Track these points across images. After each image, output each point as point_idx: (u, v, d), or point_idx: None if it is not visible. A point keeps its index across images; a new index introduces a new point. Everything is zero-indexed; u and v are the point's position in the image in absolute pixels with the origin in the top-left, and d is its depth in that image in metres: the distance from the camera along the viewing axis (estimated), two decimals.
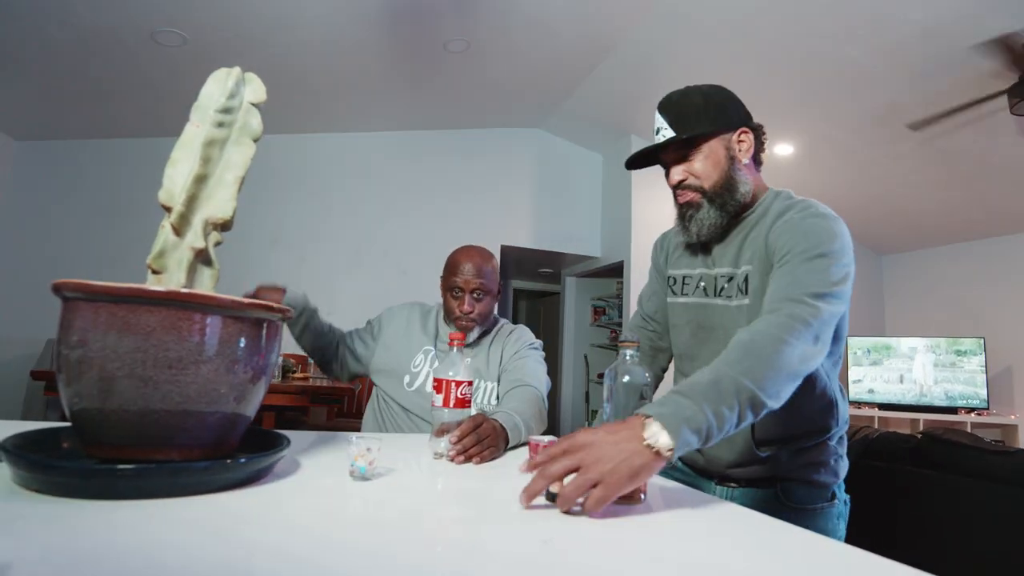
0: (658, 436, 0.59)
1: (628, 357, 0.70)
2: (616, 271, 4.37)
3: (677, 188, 0.93)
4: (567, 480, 0.58)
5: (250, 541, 0.47)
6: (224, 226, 0.68)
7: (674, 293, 1.02)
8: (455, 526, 0.59)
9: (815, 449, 0.91)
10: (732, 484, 0.94)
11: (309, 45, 2.80)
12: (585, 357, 5.25)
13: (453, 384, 0.88)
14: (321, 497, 0.62)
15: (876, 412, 4.23)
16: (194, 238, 0.65)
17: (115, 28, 2.50)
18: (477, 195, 4.19)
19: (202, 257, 0.67)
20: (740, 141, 0.91)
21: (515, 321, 1.48)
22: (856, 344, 4.43)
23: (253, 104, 0.72)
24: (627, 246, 4.05)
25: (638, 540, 0.55)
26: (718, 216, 0.90)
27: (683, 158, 0.91)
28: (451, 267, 1.29)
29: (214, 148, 0.67)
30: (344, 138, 3.95)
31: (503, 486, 0.75)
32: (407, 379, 1.26)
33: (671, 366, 1.11)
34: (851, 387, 4.36)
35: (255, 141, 0.71)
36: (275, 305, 0.63)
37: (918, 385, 4.24)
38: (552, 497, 0.59)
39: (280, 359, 2.76)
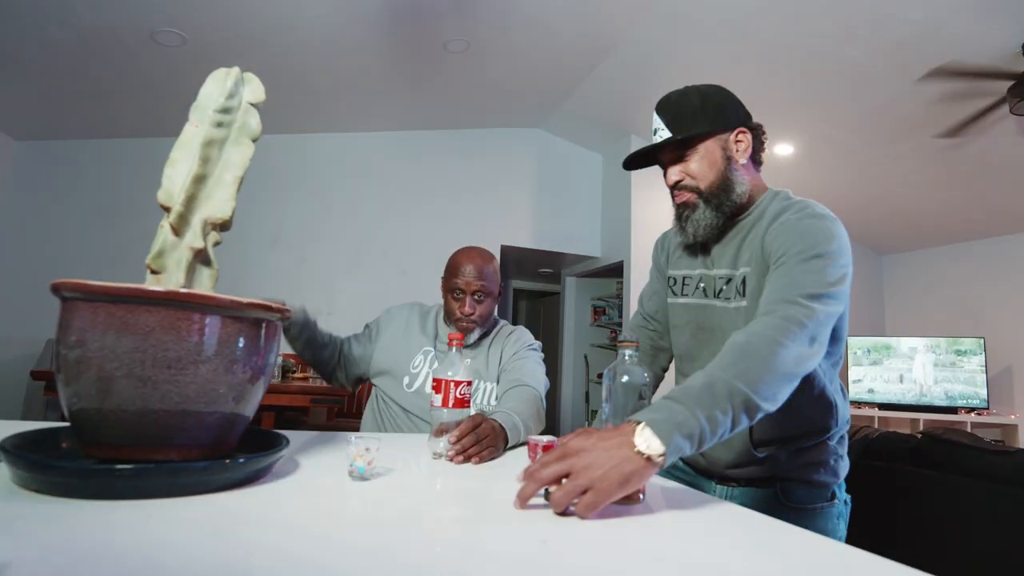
0: (649, 442, 0.59)
1: (627, 357, 0.70)
2: (616, 271, 4.37)
3: (674, 188, 0.93)
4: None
5: (249, 541, 0.47)
6: (223, 226, 0.68)
7: (674, 294, 1.02)
8: (454, 526, 0.59)
9: (814, 449, 0.91)
10: (732, 484, 0.94)
11: (309, 45, 2.80)
12: (585, 357, 5.25)
13: (452, 384, 0.88)
14: (320, 497, 0.62)
15: (876, 412, 4.23)
16: (193, 238, 0.65)
17: (115, 28, 2.50)
18: (477, 195, 4.19)
19: (201, 257, 0.67)
20: (738, 141, 0.90)
21: (515, 321, 1.48)
22: (856, 344, 4.43)
23: (252, 104, 0.72)
24: (627, 246, 4.05)
25: (637, 540, 0.55)
26: (714, 217, 0.90)
27: (680, 158, 0.91)
28: (452, 268, 1.28)
29: (213, 148, 0.67)
30: (344, 138, 3.95)
31: (502, 486, 0.75)
32: (406, 380, 1.26)
33: (672, 366, 1.11)
34: (851, 387, 4.36)
35: (254, 141, 0.71)
36: (274, 305, 0.63)
37: (918, 385, 4.24)
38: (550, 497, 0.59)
39: (280, 359, 2.77)
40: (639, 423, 0.61)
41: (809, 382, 0.84)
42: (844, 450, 0.94)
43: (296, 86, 3.15)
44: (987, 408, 4.03)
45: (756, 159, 0.94)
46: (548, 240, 4.36)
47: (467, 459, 0.84)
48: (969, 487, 1.61)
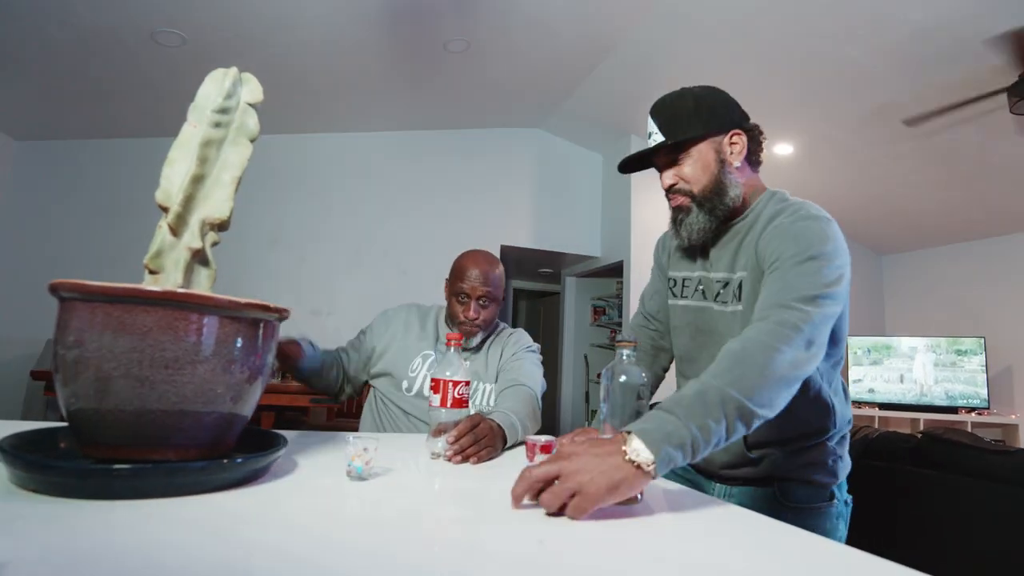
0: (639, 451, 0.59)
1: (625, 357, 0.70)
2: (616, 271, 4.37)
3: (668, 192, 0.93)
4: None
5: (247, 541, 0.47)
6: (221, 226, 0.68)
7: (674, 295, 1.02)
8: (452, 526, 0.58)
9: (813, 450, 0.90)
10: (731, 483, 0.94)
11: (309, 45, 2.80)
12: (585, 357, 5.25)
13: (450, 384, 0.88)
14: (318, 497, 0.62)
15: (876, 412, 4.23)
16: (191, 238, 0.65)
17: (115, 28, 2.50)
18: (477, 195, 4.19)
19: (199, 257, 0.67)
20: (732, 144, 0.90)
21: (515, 321, 1.48)
22: (856, 344, 4.43)
23: (250, 104, 0.72)
24: (627, 246, 4.04)
25: (636, 540, 0.54)
26: (707, 221, 0.90)
27: (673, 162, 0.91)
28: (458, 272, 1.27)
29: (211, 148, 0.67)
30: (344, 138, 3.95)
31: (500, 486, 0.75)
32: (405, 384, 1.26)
33: (672, 367, 1.11)
34: (851, 387, 4.36)
35: (252, 141, 0.71)
36: (272, 305, 0.63)
37: (918, 385, 4.24)
38: None
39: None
40: (630, 432, 0.61)
41: (805, 384, 0.84)
42: (844, 451, 0.94)
43: (296, 86, 3.15)
44: (987, 408, 4.03)
45: (754, 160, 0.94)
46: (548, 240, 4.36)
47: (465, 459, 0.84)
48: (969, 487, 1.61)
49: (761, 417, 0.68)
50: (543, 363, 1.33)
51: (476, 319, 1.24)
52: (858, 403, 4.30)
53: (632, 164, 0.96)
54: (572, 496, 0.57)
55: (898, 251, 5.14)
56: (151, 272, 0.64)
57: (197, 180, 0.66)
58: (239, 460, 0.60)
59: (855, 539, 0.88)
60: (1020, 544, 1.48)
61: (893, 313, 5.14)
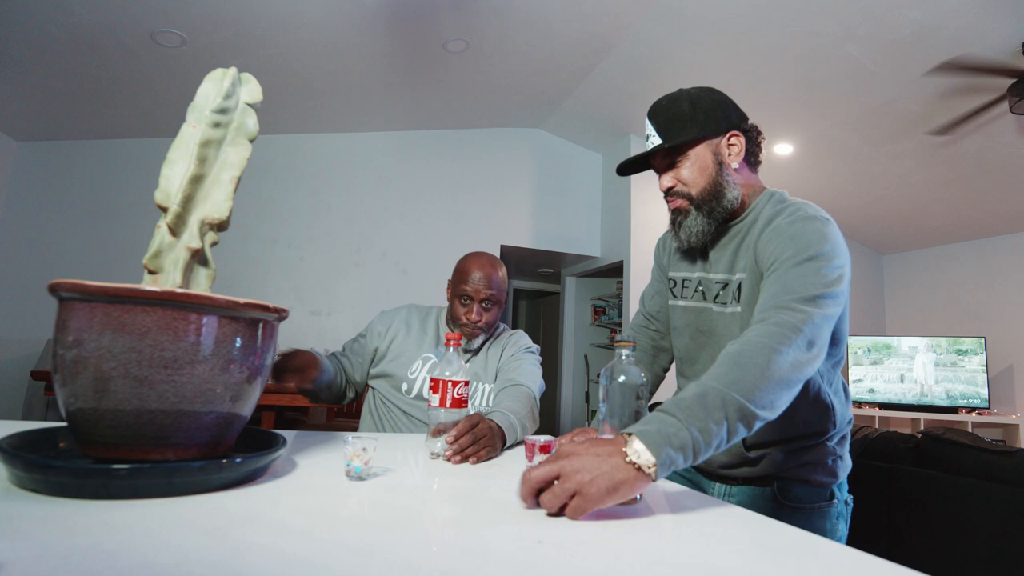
0: (640, 453, 0.59)
1: (624, 357, 0.70)
2: (616, 271, 4.37)
3: (667, 195, 0.93)
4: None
5: (245, 541, 0.47)
6: (220, 226, 0.68)
7: (674, 296, 1.02)
8: (451, 526, 0.58)
9: (812, 450, 0.90)
10: (730, 482, 0.94)
11: (309, 45, 2.80)
12: (585, 357, 5.25)
13: (450, 384, 0.88)
14: (316, 497, 0.62)
15: (877, 412, 4.23)
16: (190, 238, 0.65)
17: (115, 29, 2.50)
18: (477, 195, 4.19)
19: (198, 257, 0.67)
20: (730, 145, 0.90)
21: (515, 320, 1.48)
22: (857, 344, 4.43)
23: (249, 104, 0.72)
24: (627, 246, 4.04)
25: (634, 540, 0.54)
26: (706, 223, 0.90)
27: (671, 165, 0.91)
28: (462, 274, 1.27)
29: (210, 148, 0.67)
30: (344, 138, 3.95)
31: (499, 486, 0.75)
32: (405, 386, 1.26)
33: (673, 367, 1.11)
34: (852, 387, 4.36)
35: (251, 141, 0.71)
36: (271, 305, 0.63)
37: (919, 385, 4.24)
38: None
39: (279, 359, 2.77)
40: (631, 434, 0.61)
41: (805, 385, 0.84)
42: (844, 451, 0.94)
43: (296, 86, 3.16)
44: (988, 408, 4.02)
45: (752, 161, 0.94)
46: (548, 240, 4.36)
47: (464, 459, 0.84)
48: (969, 487, 1.61)
49: (762, 419, 0.67)
50: (542, 364, 1.33)
51: (479, 322, 1.24)
52: (858, 403, 4.30)
53: (630, 167, 0.97)
54: (572, 496, 0.57)
55: (899, 251, 5.14)
56: (150, 272, 0.64)
57: (196, 180, 0.66)
58: (238, 460, 0.60)
59: (855, 539, 0.88)
60: (1021, 544, 1.48)
61: (893, 313, 5.13)
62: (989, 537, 1.55)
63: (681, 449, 0.61)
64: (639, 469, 0.59)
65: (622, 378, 0.70)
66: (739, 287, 0.89)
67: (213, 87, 0.69)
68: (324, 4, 2.49)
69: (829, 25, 2.53)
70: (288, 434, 0.79)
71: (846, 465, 0.94)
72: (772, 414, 0.68)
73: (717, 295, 0.93)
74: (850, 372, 4.40)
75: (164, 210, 0.65)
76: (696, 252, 0.98)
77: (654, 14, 2.71)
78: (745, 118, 0.93)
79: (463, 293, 1.25)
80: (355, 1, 2.50)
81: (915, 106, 2.97)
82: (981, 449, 1.63)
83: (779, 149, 3.69)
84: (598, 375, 4.95)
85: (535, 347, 1.33)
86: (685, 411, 0.64)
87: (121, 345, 0.55)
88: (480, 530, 0.56)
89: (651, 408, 0.69)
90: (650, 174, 1.00)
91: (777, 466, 0.90)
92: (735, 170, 0.91)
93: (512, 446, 0.99)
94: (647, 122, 0.92)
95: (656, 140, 0.90)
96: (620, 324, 4.62)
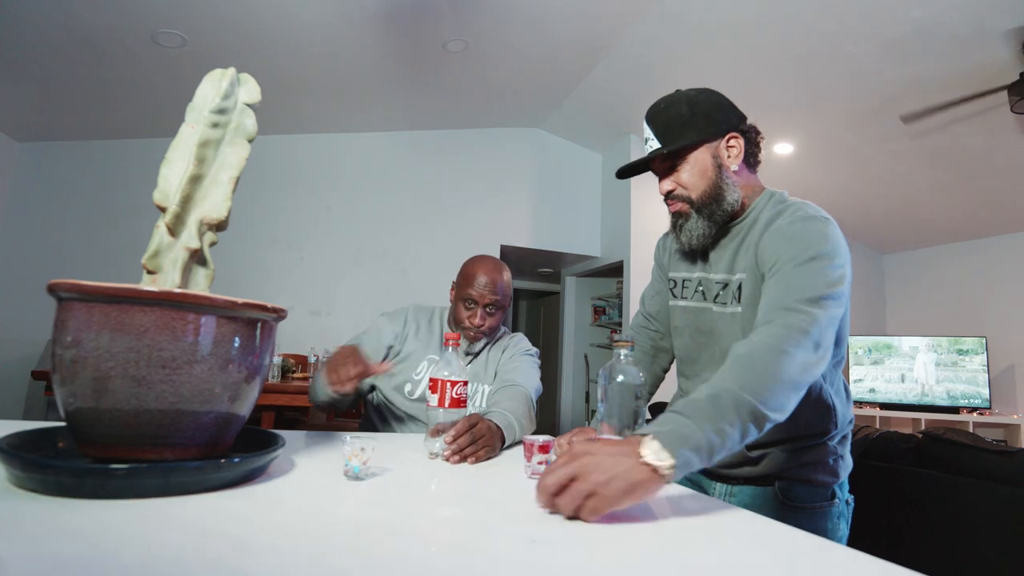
0: (658, 454, 0.59)
1: (622, 357, 0.70)
2: (616, 271, 4.37)
3: (667, 198, 0.93)
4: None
5: (243, 541, 0.47)
6: (219, 226, 0.68)
7: (674, 296, 1.02)
8: (449, 526, 0.58)
9: (814, 449, 0.90)
10: (731, 482, 0.94)
11: (309, 46, 2.81)
12: (585, 357, 5.25)
13: (448, 384, 0.88)
14: (315, 497, 0.62)
15: (877, 412, 4.22)
16: (189, 238, 0.66)
17: (116, 30, 2.51)
18: (477, 195, 4.19)
19: (197, 257, 0.67)
20: (729, 147, 0.90)
21: (515, 320, 1.48)
22: (857, 343, 4.43)
23: (248, 104, 0.72)
24: (627, 246, 4.04)
25: (634, 540, 0.54)
26: (707, 226, 0.90)
27: (671, 169, 0.91)
28: (467, 277, 1.27)
29: (209, 148, 0.68)
30: (344, 138, 3.96)
31: (498, 486, 0.75)
32: (408, 387, 1.25)
33: (673, 368, 1.11)
34: (852, 387, 4.35)
35: (250, 141, 0.71)
36: (269, 305, 0.63)
37: (920, 385, 4.24)
38: None
39: (279, 359, 2.77)
40: (646, 435, 0.61)
41: None
42: (846, 450, 0.94)
43: (297, 86, 3.16)
44: (989, 408, 4.02)
45: (752, 162, 0.94)
46: (548, 240, 4.36)
47: (463, 459, 0.84)
48: (970, 487, 1.61)
49: (772, 421, 0.67)
50: (541, 366, 1.33)
51: (482, 326, 1.24)
52: (859, 403, 4.29)
53: (630, 170, 0.97)
54: (587, 497, 0.56)
55: (899, 250, 5.13)
56: (149, 272, 0.65)
57: (195, 180, 0.66)
58: (236, 460, 0.60)
59: (856, 539, 0.88)
60: (1021, 545, 1.47)
61: (894, 312, 5.13)
62: (989, 537, 1.55)
63: (697, 451, 0.61)
64: (655, 470, 0.58)
65: (620, 378, 0.70)
66: (739, 287, 0.89)
67: (212, 87, 0.69)
68: (324, 5, 2.49)
69: (829, 24, 2.53)
70: (287, 434, 0.79)
71: (847, 465, 0.94)
72: (782, 416, 0.69)
73: (717, 295, 0.93)
74: (851, 372, 4.39)
75: (163, 210, 0.65)
76: (696, 252, 0.98)
77: (653, 14, 2.71)
78: (744, 118, 0.93)
79: (468, 297, 1.24)
80: (355, 2, 2.50)
81: (915, 105, 2.96)
82: (981, 449, 1.62)
83: (779, 149, 3.68)
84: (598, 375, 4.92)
85: (534, 350, 1.33)
86: (699, 412, 0.63)
87: (119, 345, 0.55)
88: (480, 530, 0.56)
89: (651, 408, 0.69)
90: (650, 174, 1.00)
91: (778, 466, 0.90)
92: (734, 172, 0.91)
93: (511, 446, 0.99)
94: (645, 126, 0.92)
95: (655, 144, 0.90)
96: (620, 324, 4.62)
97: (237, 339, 0.60)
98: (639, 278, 3.85)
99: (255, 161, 0.71)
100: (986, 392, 4.02)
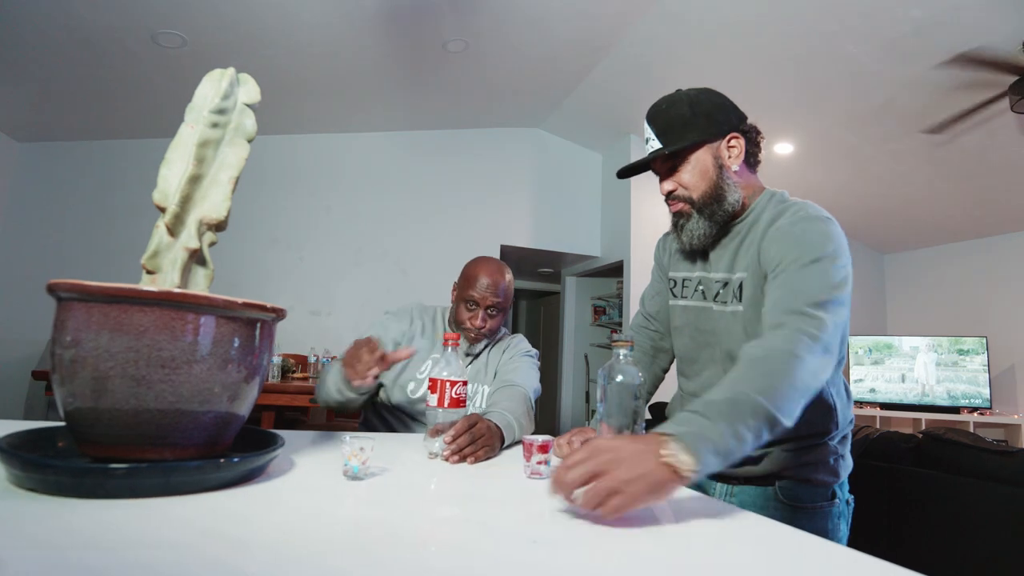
0: (679, 455, 0.58)
1: (621, 356, 0.70)
2: (616, 271, 4.37)
3: (668, 198, 0.93)
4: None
5: (243, 540, 0.47)
6: (219, 226, 0.68)
7: (674, 296, 1.02)
8: (448, 526, 0.58)
9: (814, 449, 0.90)
10: (731, 481, 0.94)
11: (309, 46, 2.81)
12: (585, 357, 5.25)
13: (448, 384, 0.88)
14: (314, 497, 0.62)
15: (878, 412, 4.22)
16: (188, 238, 0.66)
17: (116, 30, 2.51)
18: (477, 195, 4.19)
19: (196, 257, 0.67)
20: (730, 147, 0.90)
21: (515, 320, 1.48)
22: (857, 343, 4.42)
23: (247, 105, 0.72)
24: (627, 246, 4.04)
25: (633, 540, 0.54)
26: (707, 226, 0.90)
27: (672, 169, 0.91)
28: (469, 279, 1.26)
29: (208, 148, 0.68)
30: (343, 138, 3.96)
31: (497, 486, 0.75)
32: (411, 386, 1.25)
33: (673, 367, 1.11)
34: (853, 386, 4.35)
35: (249, 141, 0.71)
36: (268, 305, 0.63)
37: (920, 385, 4.23)
38: None
39: (279, 359, 2.77)
40: (667, 435, 0.60)
41: None
42: (846, 450, 0.93)
43: (296, 86, 3.16)
44: (990, 408, 4.01)
45: (752, 162, 0.94)
46: (548, 240, 4.36)
47: (463, 459, 0.84)
48: (971, 487, 1.61)
49: (784, 427, 0.67)
50: (541, 367, 1.33)
51: (483, 328, 1.24)
52: (859, 403, 4.29)
53: (630, 171, 0.97)
54: (610, 495, 0.55)
55: (900, 250, 5.13)
56: (148, 272, 0.65)
57: (194, 180, 0.66)
58: (235, 460, 0.60)
59: (856, 539, 0.88)
60: (1021, 545, 1.47)
61: (895, 312, 5.13)
62: (989, 537, 1.55)
63: (718, 453, 0.60)
64: (675, 471, 0.58)
65: (619, 378, 0.70)
66: (740, 286, 0.89)
67: (211, 88, 0.69)
68: (324, 5, 2.49)
69: (829, 24, 2.53)
70: (286, 434, 0.79)
71: (847, 465, 0.94)
72: (792, 423, 0.68)
73: (717, 294, 0.93)
74: (851, 372, 4.39)
75: (162, 210, 0.65)
76: (696, 252, 0.98)
77: (654, 14, 2.71)
78: (744, 118, 0.93)
79: (469, 298, 1.24)
80: (355, 2, 2.50)
81: (916, 104, 2.96)
82: (982, 449, 1.62)
83: (779, 149, 3.68)
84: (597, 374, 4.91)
85: (534, 351, 1.33)
86: (719, 415, 0.63)
87: (119, 345, 0.55)
88: (479, 530, 0.56)
89: (651, 408, 0.69)
90: (650, 174, 1.00)
91: (779, 465, 0.90)
92: (735, 172, 0.91)
93: (510, 446, 0.99)
94: (646, 126, 0.92)
95: (655, 144, 0.90)
96: (620, 324, 4.62)
97: (236, 339, 0.60)
98: (639, 278, 3.85)
99: (255, 161, 0.71)
100: (987, 392, 4.02)
